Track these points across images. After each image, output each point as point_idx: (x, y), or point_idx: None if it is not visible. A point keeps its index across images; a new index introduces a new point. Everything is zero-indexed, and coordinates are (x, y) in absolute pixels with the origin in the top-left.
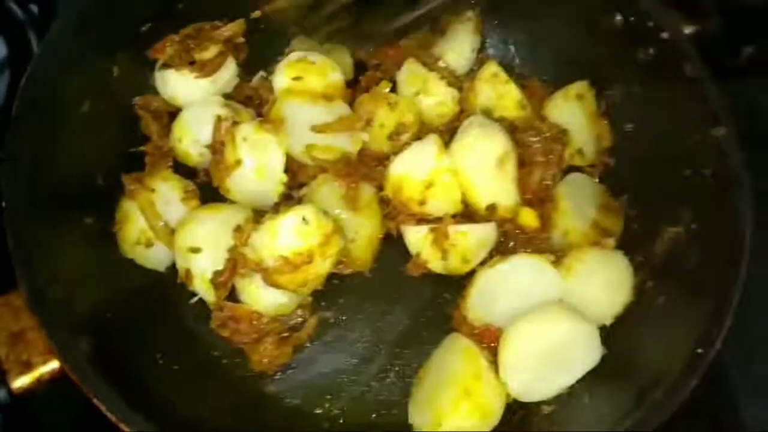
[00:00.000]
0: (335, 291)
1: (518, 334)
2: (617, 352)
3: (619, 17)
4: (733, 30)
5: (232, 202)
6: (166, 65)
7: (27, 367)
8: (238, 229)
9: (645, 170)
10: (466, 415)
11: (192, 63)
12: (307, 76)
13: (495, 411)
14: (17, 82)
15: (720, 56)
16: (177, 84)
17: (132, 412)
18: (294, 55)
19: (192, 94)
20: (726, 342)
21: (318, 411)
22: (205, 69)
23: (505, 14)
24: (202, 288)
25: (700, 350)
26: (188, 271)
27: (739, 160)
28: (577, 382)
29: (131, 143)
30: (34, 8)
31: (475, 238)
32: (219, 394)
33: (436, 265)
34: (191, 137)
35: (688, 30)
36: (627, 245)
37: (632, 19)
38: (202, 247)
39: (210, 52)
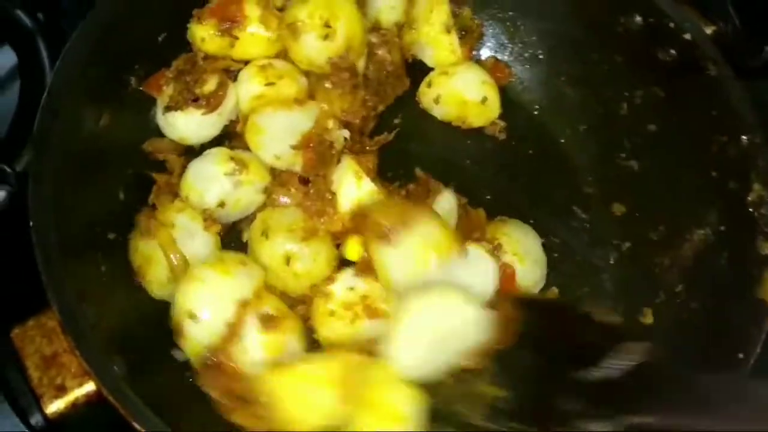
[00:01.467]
0: None
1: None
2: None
3: (638, 18)
4: (753, 29)
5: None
6: (169, 107)
7: (61, 390)
8: (243, 305)
9: (669, 172)
10: None
11: (195, 100)
12: (278, 81)
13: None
14: (28, 90)
15: (741, 56)
16: (185, 126)
17: None
18: (258, 62)
19: (202, 132)
20: None
21: None
22: (211, 104)
23: (521, 16)
24: (191, 353)
25: (741, 354)
26: (181, 328)
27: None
28: None
29: (148, 159)
30: (42, 16)
31: None
32: None
33: None
34: (198, 194)
35: (708, 30)
36: (653, 249)
37: (652, 20)
38: (199, 315)
39: (210, 85)
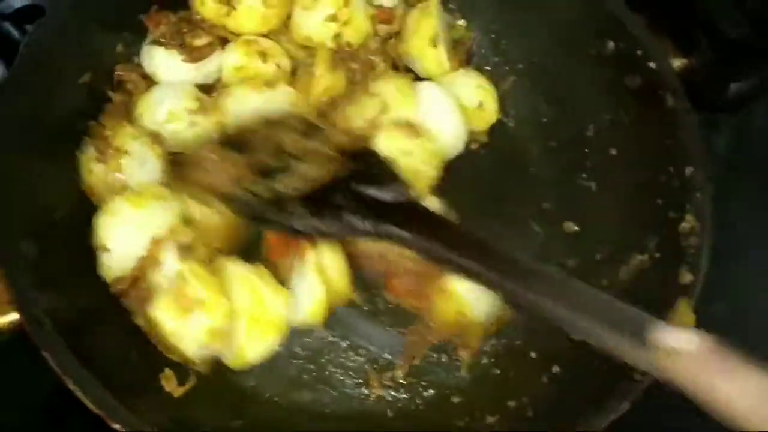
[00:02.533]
0: None
1: None
2: (568, 372)
3: (611, 43)
4: (723, 67)
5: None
6: (156, 41)
7: None
8: (154, 242)
9: (622, 197)
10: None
11: (182, 45)
12: (259, 56)
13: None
14: None
15: (708, 92)
16: (161, 61)
17: (79, 369)
18: (247, 36)
19: (172, 75)
20: None
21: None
22: (193, 54)
23: (506, 32)
24: (107, 278)
25: (638, 377)
26: (98, 256)
27: (705, 198)
28: (524, 396)
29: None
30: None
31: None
32: None
33: None
34: (151, 116)
35: (677, 63)
36: (595, 269)
37: (622, 45)
38: (111, 247)
39: (201, 40)
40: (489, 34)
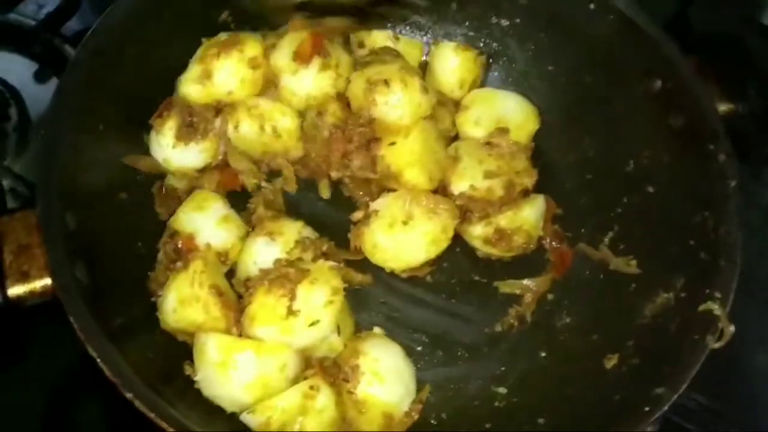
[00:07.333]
0: None
1: None
2: (586, 397)
3: (659, 82)
4: None
5: None
6: (162, 132)
7: (25, 277)
8: None
9: (656, 233)
10: None
11: (188, 126)
12: (267, 121)
13: None
14: None
15: (753, 141)
16: (171, 148)
17: (101, 336)
18: (248, 102)
19: (185, 159)
20: None
21: None
22: (198, 132)
23: (556, 68)
24: None
25: (647, 408)
26: None
27: (734, 246)
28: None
29: None
30: None
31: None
32: None
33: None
34: None
35: (723, 107)
36: (621, 305)
37: (670, 85)
38: None
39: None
40: (545, 69)
